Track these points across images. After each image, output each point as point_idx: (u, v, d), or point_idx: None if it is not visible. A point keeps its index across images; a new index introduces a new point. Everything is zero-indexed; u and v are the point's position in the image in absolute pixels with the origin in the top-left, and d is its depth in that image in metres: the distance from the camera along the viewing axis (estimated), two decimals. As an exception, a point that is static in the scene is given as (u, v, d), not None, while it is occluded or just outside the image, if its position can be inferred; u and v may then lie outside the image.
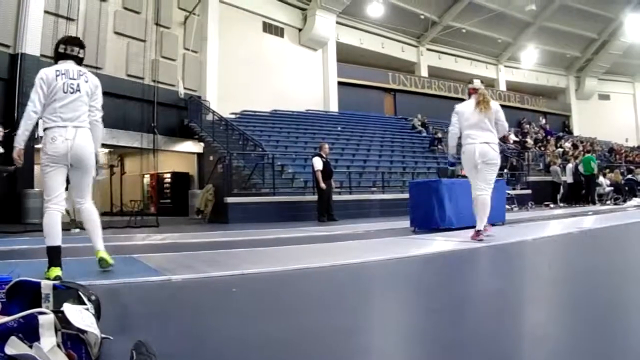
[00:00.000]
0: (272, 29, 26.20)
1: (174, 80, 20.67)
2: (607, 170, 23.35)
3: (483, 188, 7.13)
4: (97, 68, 16.61)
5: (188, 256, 6.13)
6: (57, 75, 4.60)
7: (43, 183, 4.70)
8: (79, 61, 4.85)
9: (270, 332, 2.62)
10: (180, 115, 20.81)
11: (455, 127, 7.45)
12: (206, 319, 3.02)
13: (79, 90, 4.66)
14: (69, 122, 4.60)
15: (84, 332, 1.89)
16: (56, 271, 4.37)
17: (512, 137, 30.50)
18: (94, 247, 4.84)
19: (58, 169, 4.60)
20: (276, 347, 2.33)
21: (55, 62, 4.77)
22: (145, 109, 18.70)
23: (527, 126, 34.97)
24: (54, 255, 4.50)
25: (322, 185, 13.81)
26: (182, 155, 21.52)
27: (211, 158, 18.48)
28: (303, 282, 4.41)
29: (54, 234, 4.54)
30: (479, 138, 7.06)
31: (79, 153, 4.63)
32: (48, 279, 3.70)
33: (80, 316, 1.94)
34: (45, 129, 4.62)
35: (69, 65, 4.71)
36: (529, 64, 39.51)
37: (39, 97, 4.53)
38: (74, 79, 4.67)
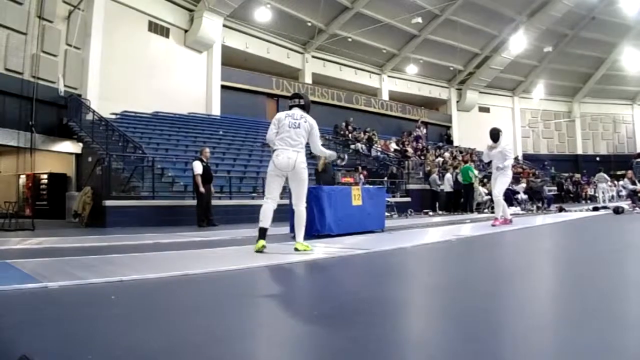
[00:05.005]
0: (157, 28, 26.48)
1: (54, 77, 20.59)
2: (485, 180, 24.56)
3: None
4: (-28, 61, 16.78)
5: (65, 262, 6.06)
6: (285, 117, 7.19)
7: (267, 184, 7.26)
8: (302, 107, 7.38)
9: (148, 340, 2.72)
10: (60, 113, 20.79)
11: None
12: (85, 327, 3.04)
13: (298, 127, 7.12)
14: (289, 147, 7.02)
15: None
16: (262, 242, 6.83)
17: (393, 146, 32.31)
18: (296, 237, 7.12)
19: (276, 176, 7.07)
20: (153, 355, 2.44)
21: (290, 109, 7.39)
22: (23, 106, 18.67)
23: (409, 137, 36.51)
24: (263, 233, 6.90)
25: (202, 189, 14.25)
26: (60, 155, 21.29)
27: (90, 159, 18.60)
28: (182, 289, 4.54)
29: (266, 219, 6.96)
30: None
31: (296, 168, 6.99)
32: (258, 251, 6.74)
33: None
34: (275, 149, 7.10)
35: (294, 111, 7.30)
36: (412, 75, 41.56)
37: (272, 129, 7.19)
38: (297, 120, 7.17)
